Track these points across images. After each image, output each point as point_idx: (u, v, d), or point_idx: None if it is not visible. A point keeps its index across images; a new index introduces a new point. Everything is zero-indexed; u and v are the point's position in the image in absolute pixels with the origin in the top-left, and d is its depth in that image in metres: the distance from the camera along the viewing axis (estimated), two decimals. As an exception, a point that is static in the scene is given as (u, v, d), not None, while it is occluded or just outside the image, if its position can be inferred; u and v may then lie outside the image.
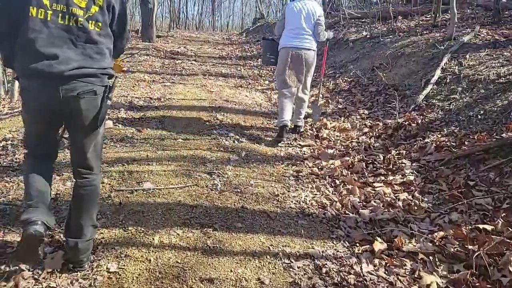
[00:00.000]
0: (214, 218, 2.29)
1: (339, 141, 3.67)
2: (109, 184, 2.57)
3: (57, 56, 1.53)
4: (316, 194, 2.73)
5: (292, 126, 3.93)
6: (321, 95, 5.19)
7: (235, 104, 4.80)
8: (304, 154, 3.45)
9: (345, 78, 5.59)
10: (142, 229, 2.13)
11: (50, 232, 1.98)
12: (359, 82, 5.23)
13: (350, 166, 3.17)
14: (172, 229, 2.15)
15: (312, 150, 3.52)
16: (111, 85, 1.72)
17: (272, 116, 4.43)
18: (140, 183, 2.61)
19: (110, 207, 2.31)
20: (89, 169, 1.77)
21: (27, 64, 1.53)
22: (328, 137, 3.78)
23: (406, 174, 2.91)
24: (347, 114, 4.35)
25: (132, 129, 3.69)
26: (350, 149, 3.49)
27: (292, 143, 3.68)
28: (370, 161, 3.20)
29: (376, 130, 3.74)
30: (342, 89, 5.26)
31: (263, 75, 7.00)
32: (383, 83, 4.67)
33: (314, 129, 3.95)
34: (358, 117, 4.21)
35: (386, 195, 2.66)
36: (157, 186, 2.59)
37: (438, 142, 3.12)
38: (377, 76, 5.04)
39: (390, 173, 2.99)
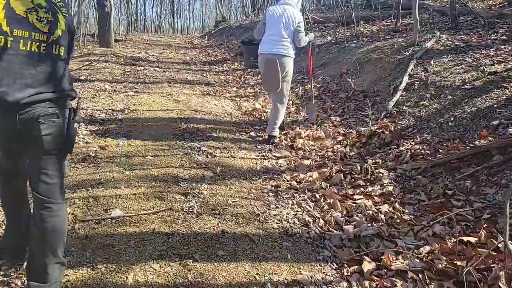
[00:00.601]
0: (193, 246, 2.11)
1: (314, 151, 3.61)
2: (73, 214, 2.31)
3: (15, 83, 1.47)
4: (297, 211, 2.63)
5: (266, 137, 3.85)
6: (290, 102, 5.15)
7: (205, 114, 4.61)
8: (281, 166, 3.34)
9: (314, 84, 5.57)
10: (113, 266, 1.91)
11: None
12: (328, 88, 5.24)
13: (329, 177, 3.11)
14: (147, 263, 1.95)
15: (288, 162, 3.43)
16: (74, 107, 1.68)
17: (243, 126, 4.29)
18: (108, 211, 2.37)
19: (75, 241, 2.06)
20: (54, 198, 1.62)
21: None
22: (303, 147, 3.71)
23: (384, 185, 2.89)
24: (319, 121, 4.32)
25: (95, 147, 3.40)
26: (327, 159, 3.44)
27: (267, 154, 3.57)
28: (348, 171, 3.16)
29: (350, 138, 3.73)
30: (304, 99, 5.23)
31: (230, 81, 6.85)
32: (352, 89, 4.70)
33: (288, 139, 3.87)
34: (331, 124, 4.19)
35: (367, 208, 2.62)
36: (127, 212, 2.36)
37: (412, 150, 3.15)
38: (345, 82, 5.07)
39: (368, 183, 2.96)
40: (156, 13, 28.34)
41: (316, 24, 8.40)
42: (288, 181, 3.08)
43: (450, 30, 5.52)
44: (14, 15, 1.46)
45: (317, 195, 2.85)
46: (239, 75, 7.33)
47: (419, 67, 4.28)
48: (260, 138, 3.97)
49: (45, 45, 1.53)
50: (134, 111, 4.53)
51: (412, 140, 3.32)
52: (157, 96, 5.35)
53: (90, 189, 2.61)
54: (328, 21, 8.07)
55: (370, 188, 2.88)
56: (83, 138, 3.58)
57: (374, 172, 3.07)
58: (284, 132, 4.11)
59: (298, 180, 3.08)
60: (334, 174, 3.12)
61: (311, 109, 4.33)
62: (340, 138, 3.79)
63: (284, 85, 3.71)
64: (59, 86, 1.58)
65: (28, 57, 1.50)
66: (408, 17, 7.15)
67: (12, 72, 1.46)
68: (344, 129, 3.97)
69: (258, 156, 3.52)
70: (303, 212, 2.62)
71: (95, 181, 2.75)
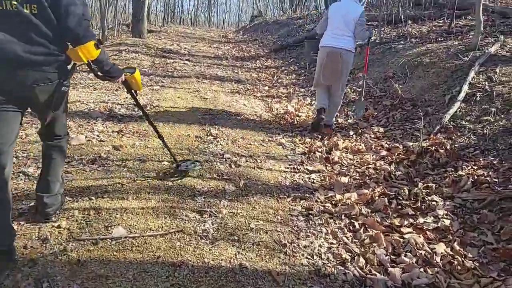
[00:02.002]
0: (203, 285, 1.73)
1: (353, 167, 3.13)
2: (68, 229, 1.99)
3: (3, 41, 1.56)
4: (332, 243, 2.18)
5: (323, 123, 3.85)
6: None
7: (232, 115, 4.23)
8: (314, 183, 2.90)
9: (354, 87, 5.06)
10: (104, 305, 1.56)
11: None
12: (371, 93, 4.70)
13: (370, 201, 2.64)
14: (145, 304, 1.59)
15: (322, 178, 2.98)
16: (66, 69, 1.77)
17: (274, 131, 3.87)
18: (109, 228, 2.03)
19: (64, 267, 1.73)
20: (55, 136, 1.98)
21: None
22: (340, 160, 3.24)
23: (439, 217, 2.38)
24: (359, 131, 3.82)
25: (108, 146, 3.10)
26: (367, 177, 2.95)
27: (298, 167, 3.13)
28: (393, 195, 2.67)
29: (396, 154, 3.21)
30: (350, 99, 4.72)
31: (262, 79, 6.44)
32: (399, 96, 4.15)
33: (323, 150, 3.40)
34: (372, 135, 3.68)
35: (419, 247, 2.13)
36: (130, 232, 2.02)
37: (475, 176, 2.60)
38: (390, 88, 4.51)
39: (419, 213, 2.46)
40: (193, 5, 28.40)
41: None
42: (321, 202, 2.63)
43: (515, 34, 4.80)
44: None
45: (357, 224, 2.38)
46: (272, 73, 6.90)
47: (481, 75, 3.67)
48: (292, 146, 3.54)
49: (15, 3, 1.55)
50: (156, 107, 4.23)
51: (473, 163, 2.77)
52: (184, 91, 5.04)
53: (93, 198, 2.29)
54: (373, 20, 7.44)
55: (421, 220, 2.38)
56: (98, 136, 3.31)
57: (426, 199, 2.57)
58: (319, 138, 3.66)
59: (333, 202, 2.63)
60: (376, 198, 2.64)
61: (360, 105, 4.15)
62: (383, 153, 3.28)
63: (343, 78, 3.80)
64: (44, 47, 1.65)
65: (5, 16, 1.56)
66: (463, 17, 6.42)
67: None
68: (388, 142, 3.46)
69: (288, 168, 3.09)
70: (339, 245, 2.17)
71: (100, 188, 2.44)
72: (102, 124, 3.59)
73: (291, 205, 2.55)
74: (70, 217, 2.08)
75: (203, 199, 2.45)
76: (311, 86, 5.81)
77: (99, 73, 1.95)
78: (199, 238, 2.06)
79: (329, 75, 3.73)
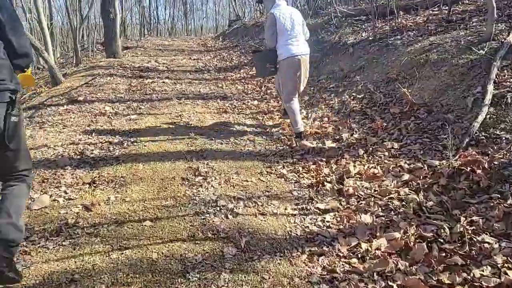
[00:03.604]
0: None
1: (372, 199, 2.61)
2: None
3: None
4: (371, 325, 1.66)
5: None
6: (326, 118, 4.20)
7: (222, 143, 3.69)
8: (329, 227, 2.38)
9: (353, 94, 4.55)
10: None
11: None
12: (373, 99, 4.21)
13: (404, 248, 2.13)
14: None
15: (339, 219, 2.46)
16: (13, 99, 1.72)
17: (271, 160, 3.34)
18: None
19: None
20: (16, 176, 1.85)
21: None
22: (355, 191, 2.72)
23: (498, 266, 1.88)
24: (369, 148, 3.31)
25: (77, 207, 2.55)
26: (393, 212, 2.44)
27: (307, 206, 2.60)
28: (432, 237, 2.16)
29: (421, 177, 2.71)
30: (352, 109, 4.22)
31: (249, 92, 5.90)
32: (408, 101, 3.65)
33: (334, 180, 2.88)
34: (386, 153, 3.17)
35: (483, 316, 1.63)
36: None
37: (531, 205, 2.11)
38: (396, 92, 4.02)
39: (470, 262, 1.95)
40: (169, 15, 27.74)
41: (343, 19, 7.30)
42: (345, 257, 2.11)
43: (523, 18, 4.35)
44: None
45: (395, 286, 1.87)
46: (258, 83, 6.37)
47: (506, 71, 3.20)
48: (295, 177, 3.02)
49: None
50: (135, 144, 3.67)
51: (523, 185, 2.27)
52: (165, 118, 4.48)
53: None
54: (361, 14, 6.97)
55: (476, 272, 1.87)
56: (65, 192, 2.74)
57: (475, 239, 2.07)
58: (323, 161, 3.15)
59: (359, 255, 2.11)
60: (412, 243, 2.13)
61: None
62: (405, 176, 2.77)
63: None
64: None
65: None
66: (460, 2, 5.97)
67: None
68: (407, 161, 2.95)
69: (295, 209, 2.56)
70: (380, 326, 1.65)
71: (66, 274, 1.89)
72: (72, 175, 3.02)
73: (309, 266, 2.02)
74: None
75: (197, 275, 1.91)
76: (303, 95, 5.30)
77: None
78: None
79: (302, 83, 3.78)
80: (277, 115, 4.62)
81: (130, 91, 5.84)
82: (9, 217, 1.71)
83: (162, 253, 2.06)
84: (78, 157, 3.37)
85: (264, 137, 3.94)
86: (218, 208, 2.52)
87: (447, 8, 5.65)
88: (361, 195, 2.69)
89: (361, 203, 2.59)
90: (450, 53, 3.84)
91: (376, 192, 2.70)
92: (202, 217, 2.42)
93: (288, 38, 3.60)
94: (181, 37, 19.62)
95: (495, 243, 2.00)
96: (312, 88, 5.40)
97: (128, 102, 5.16)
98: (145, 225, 2.32)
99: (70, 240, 2.19)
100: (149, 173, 3.03)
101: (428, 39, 4.52)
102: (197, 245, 2.15)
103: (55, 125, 4.23)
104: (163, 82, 6.44)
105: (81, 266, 1.97)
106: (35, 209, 2.51)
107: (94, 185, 2.85)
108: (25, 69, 1.86)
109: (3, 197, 1.80)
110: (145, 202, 2.59)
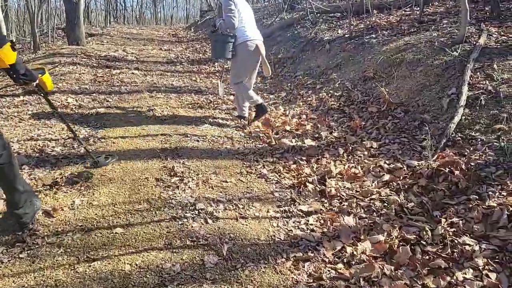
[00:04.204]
0: None
1: (355, 200, 2.57)
2: None
3: None
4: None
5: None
6: (304, 116, 4.14)
7: (198, 141, 3.51)
8: (313, 230, 2.30)
9: (331, 91, 4.52)
10: None
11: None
12: (351, 97, 4.19)
13: (389, 251, 2.10)
14: None
15: (322, 221, 2.39)
16: None
17: (251, 159, 3.22)
18: None
19: None
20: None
21: None
22: (337, 192, 2.67)
23: (480, 268, 1.90)
24: (349, 147, 3.28)
25: (38, 211, 2.29)
26: (375, 213, 2.41)
27: (290, 209, 2.51)
28: (414, 239, 2.15)
29: (401, 178, 2.71)
30: (330, 107, 4.18)
31: (225, 86, 5.72)
32: (386, 100, 3.66)
33: (316, 180, 2.81)
34: (366, 153, 3.15)
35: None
36: None
37: (510, 207, 2.15)
38: (373, 90, 4.03)
39: (453, 264, 1.96)
40: (137, 2, 26.62)
41: (318, 15, 7.27)
42: (330, 262, 2.04)
43: (491, 21, 4.50)
44: None
45: (382, 292, 1.83)
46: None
47: (479, 73, 3.26)
48: (276, 177, 2.92)
49: None
50: (102, 140, 3.41)
51: (500, 187, 2.31)
52: (135, 113, 4.22)
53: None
54: (336, 11, 6.96)
55: (459, 275, 1.87)
56: (24, 195, 2.46)
57: (456, 241, 2.07)
58: (303, 160, 3.08)
59: (345, 260, 2.05)
60: (396, 246, 2.10)
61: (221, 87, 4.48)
62: (386, 177, 2.76)
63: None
64: None
65: None
66: (430, 4, 6.11)
67: None
68: (387, 162, 2.95)
69: (277, 212, 2.47)
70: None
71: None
72: (30, 175, 2.74)
73: (294, 275, 1.93)
74: None
75: (177, 289, 1.76)
76: (280, 91, 5.23)
77: (17, 78, 1.90)
78: None
79: (260, 67, 3.86)
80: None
81: (96, 82, 5.47)
82: None
83: (136, 264, 1.89)
84: (37, 154, 3.07)
85: (241, 134, 3.81)
86: (197, 212, 2.37)
87: (418, 9, 5.76)
88: (343, 196, 2.64)
89: (343, 205, 2.54)
90: (425, 54, 3.88)
91: (357, 193, 2.67)
92: (180, 222, 2.26)
93: (245, 22, 3.66)
94: (150, 26, 18.89)
95: (476, 245, 2.01)
96: (289, 84, 5.33)
97: (94, 94, 4.82)
98: (115, 233, 2.13)
99: (29, 252, 1.96)
100: (119, 174, 2.81)
101: (403, 39, 4.57)
102: (174, 254, 1.99)
103: (9, 119, 3.86)
104: (132, 73, 6.11)
105: (41, 282, 1.76)
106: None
107: (56, 187, 2.59)
108: None
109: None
110: (115, 206, 2.39)
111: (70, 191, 2.55)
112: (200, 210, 2.39)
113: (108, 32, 11.89)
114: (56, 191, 2.53)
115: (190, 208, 2.41)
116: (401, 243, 2.13)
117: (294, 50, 6.46)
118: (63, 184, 2.63)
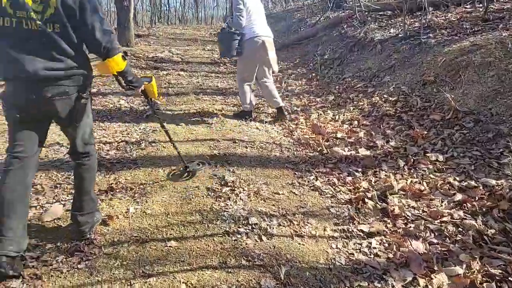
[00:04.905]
0: None
1: (423, 222, 2.33)
2: None
3: (26, 59, 1.67)
4: None
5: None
6: (356, 122, 3.90)
7: (246, 147, 3.41)
8: (377, 255, 2.10)
9: (385, 96, 4.24)
10: None
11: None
12: (409, 102, 3.89)
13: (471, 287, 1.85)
14: None
15: (387, 245, 2.18)
16: (86, 83, 1.86)
17: (302, 168, 3.06)
18: None
19: None
20: (81, 153, 2.00)
21: (3, 69, 1.72)
22: (402, 211, 2.44)
23: None
24: (410, 160, 3.01)
25: (97, 223, 2.28)
26: (449, 239, 2.16)
27: (349, 228, 2.32)
28: (500, 274, 1.88)
29: (477, 199, 2.42)
30: (385, 113, 3.91)
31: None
32: (451, 108, 3.34)
33: (375, 197, 2.60)
34: (431, 166, 2.88)
35: None
36: None
37: None
38: (435, 96, 3.70)
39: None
40: (180, 3, 27.19)
41: (367, 14, 6.91)
42: (401, 296, 1.84)
43: None
44: None
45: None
46: (278, 78, 6.06)
47: None
48: (331, 190, 2.74)
49: (39, 23, 1.67)
50: (153, 144, 3.40)
51: None
52: (184, 116, 4.21)
53: None
54: (386, 9, 6.58)
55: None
56: (79, 201, 2.48)
57: (551, 280, 1.79)
58: (359, 171, 2.87)
59: (418, 295, 1.84)
60: (478, 282, 1.85)
61: None
62: (458, 196, 2.48)
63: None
64: (64, 62, 1.73)
65: (31, 36, 1.67)
66: (495, 0, 5.57)
67: (23, 50, 1.67)
68: (457, 178, 2.66)
69: (335, 231, 2.29)
70: None
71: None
72: (84, 180, 2.76)
73: (361, 307, 1.76)
74: None
75: (234, 315, 1.65)
76: (327, 94, 5.01)
77: (123, 84, 2.04)
78: None
79: (272, 62, 3.86)
80: (302, 115, 4.33)
81: (144, 84, 5.54)
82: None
83: (192, 284, 1.81)
84: (92, 158, 3.11)
85: (290, 140, 3.66)
86: (250, 227, 2.26)
87: (481, 5, 5.28)
88: (409, 216, 2.41)
89: (409, 226, 2.31)
90: (496, 56, 3.51)
91: (425, 213, 2.42)
92: (233, 238, 2.15)
93: (256, 19, 3.73)
94: (191, 26, 19.20)
95: None
96: (337, 87, 5.09)
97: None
98: (170, 246, 2.06)
99: (86, 262, 1.94)
100: (170, 180, 2.76)
101: (467, 39, 4.18)
102: (230, 274, 1.89)
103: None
104: (178, 74, 6.15)
105: (97, 298, 1.72)
106: (46, 221, 2.26)
107: (112, 192, 2.60)
108: (108, 58, 1.83)
109: (76, 184, 2.04)
110: (168, 216, 2.34)
111: (124, 197, 2.54)
112: (253, 225, 2.27)
113: (154, 33, 12.18)
114: (111, 197, 2.53)
115: (243, 222, 2.30)
116: (484, 279, 1.88)
117: (342, 50, 6.19)
118: (117, 189, 2.62)
